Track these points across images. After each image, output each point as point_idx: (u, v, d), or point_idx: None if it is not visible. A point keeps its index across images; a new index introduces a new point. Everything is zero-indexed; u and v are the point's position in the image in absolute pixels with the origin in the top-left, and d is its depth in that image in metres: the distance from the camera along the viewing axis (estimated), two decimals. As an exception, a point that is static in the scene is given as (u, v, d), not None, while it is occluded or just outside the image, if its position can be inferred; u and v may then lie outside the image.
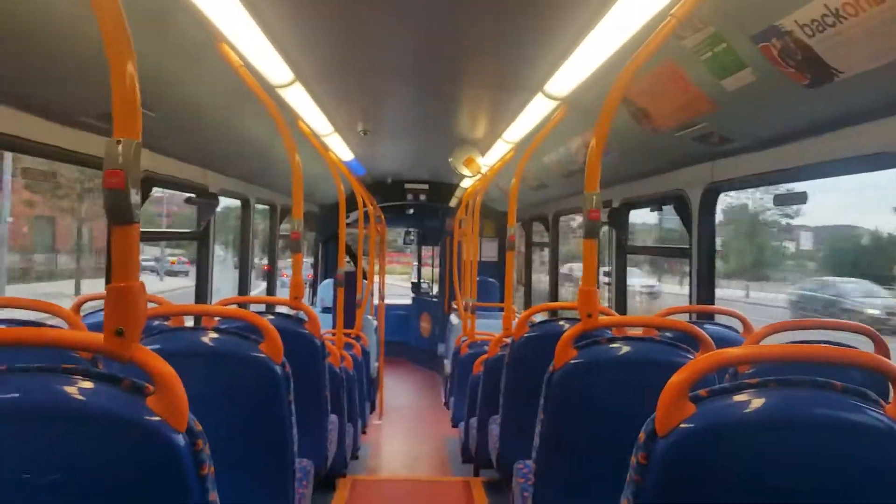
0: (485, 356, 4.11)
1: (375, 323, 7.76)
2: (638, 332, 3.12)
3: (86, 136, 3.05)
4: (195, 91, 3.14)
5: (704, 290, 3.75)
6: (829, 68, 1.98)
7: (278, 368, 2.21)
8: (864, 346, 2.50)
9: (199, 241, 4.66)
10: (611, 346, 2.27)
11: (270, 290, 6.48)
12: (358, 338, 5.81)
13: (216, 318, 3.02)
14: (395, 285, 13.74)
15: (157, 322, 2.96)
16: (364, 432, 5.93)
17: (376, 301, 8.25)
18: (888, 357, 2.24)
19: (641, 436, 1.41)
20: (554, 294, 7.00)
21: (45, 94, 2.61)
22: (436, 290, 10.87)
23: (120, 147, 1.29)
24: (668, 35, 2.08)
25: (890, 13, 1.64)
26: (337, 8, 2.56)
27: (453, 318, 8.11)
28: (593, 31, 2.50)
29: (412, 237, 11.84)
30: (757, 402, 1.35)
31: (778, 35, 1.97)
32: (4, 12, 1.88)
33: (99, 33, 1.28)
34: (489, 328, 6.25)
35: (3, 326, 2.20)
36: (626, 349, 2.27)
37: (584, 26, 2.49)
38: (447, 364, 7.23)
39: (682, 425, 1.34)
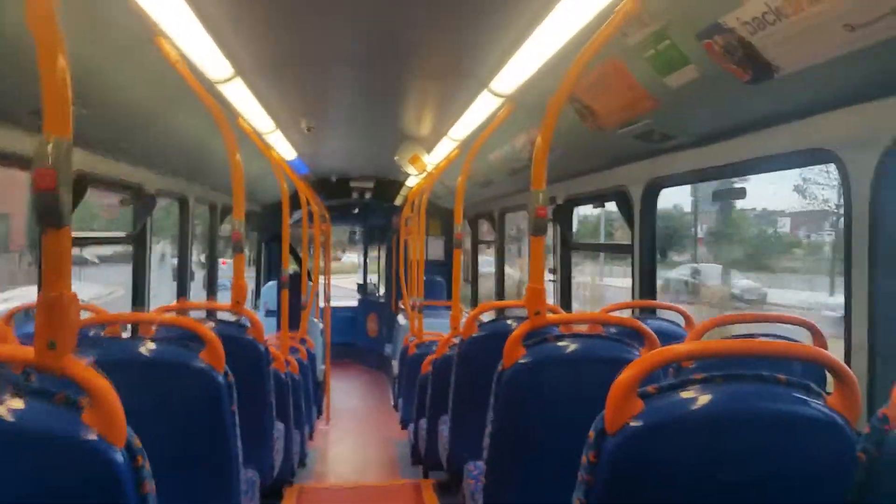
0: (433, 356, 4.09)
1: (321, 325, 7.65)
2: (584, 328, 3.15)
3: (14, 134, 2.88)
4: (131, 86, 3.00)
5: (646, 285, 3.82)
6: (770, 65, 2.02)
7: (220, 377, 2.14)
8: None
9: (136, 244, 4.48)
10: (559, 343, 2.28)
11: (210, 293, 6.30)
12: (303, 341, 5.70)
13: (153, 327, 2.90)
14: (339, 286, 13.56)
15: (92, 332, 2.83)
16: (311, 438, 5.83)
17: (322, 303, 8.14)
18: (826, 348, 2.32)
19: (591, 434, 1.40)
20: (500, 292, 7.03)
21: None
22: (382, 290, 10.80)
23: (50, 146, 1.21)
24: (613, 32, 2.09)
25: (828, 12, 1.68)
26: (279, 0, 2.49)
27: (400, 319, 8.07)
28: (539, 28, 2.50)
29: (358, 236, 11.74)
30: (704, 398, 1.36)
31: (721, 32, 2.01)
32: None
33: (22, 24, 1.20)
34: (437, 328, 6.24)
35: None
36: (573, 346, 2.27)
37: (530, 22, 2.49)
38: (395, 365, 7.19)
39: (631, 423, 1.34)
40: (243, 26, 2.77)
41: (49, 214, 1.23)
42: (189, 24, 2.51)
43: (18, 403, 1.24)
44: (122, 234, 4.64)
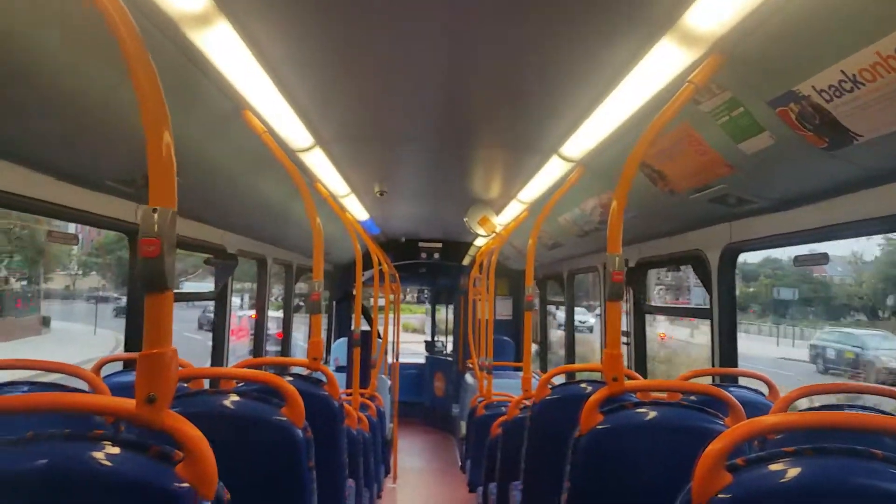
0: (503, 418, 4.04)
1: (389, 382, 7.69)
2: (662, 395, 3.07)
3: (109, 200, 3.11)
4: (219, 156, 3.20)
5: (727, 351, 3.70)
6: (848, 132, 1.99)
7: (300, 433, 2.18)
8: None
9: (217, 302, 4.67)
10: (637, 410, 2.23)
11: (285, 351, 6.45)
12: (373, 398, 5.75)
13: (234, 381, 2.99)
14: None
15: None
16: (379, 497, 5.80)
17: (390, 360, 8.19)
18: None
19: None
20: (570, 354, 6.92)
21: (74, 160, 2.67)
22: (450, 348, 10.79)
23: (156, 215, 1.31)
24: (686, 101, 2.11)
25: None
26: (356, 75, 2.64)
27: (468, 378, 8.02)
28: (610, 96, 2.54)
29: (426, 296, 11.84)
30: (794, 472, 1.32)
31: (796, 100, 2.00)
32: (38, 83, 1.95)
33: (128, 102, 1.32)
34: (505, 388, 6.17)
35: (26, 390, 2.20)
36: (653, 414, 2.22)
37: (601, 91, 2.54)
38: (463, 425, 7.12)
39: (719, 496, 1.31)
40: (323, 101, 2.93)
41: (153, 279, 1.32)
42: (274, 99, 2.68)
43: (115, 453, 1.30)
44: (204, 291, 4.85)
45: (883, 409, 2.41)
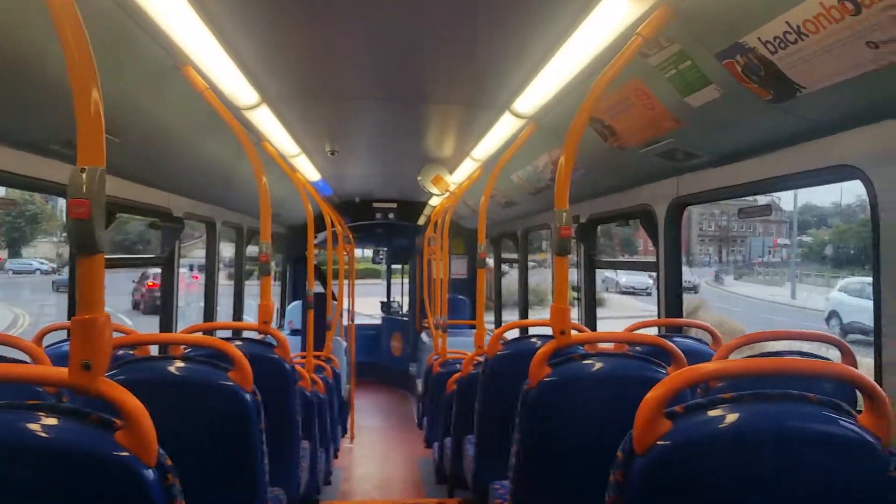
0: (458, 375, 4.09)
1: (345, 344, 7.69)
2: (609, 346, 3.14)
3: (53, 164, 2.98)
4: (159, 114, 3.08)
5: (672, 303, 3.79)
6: (792, 84, 2.02)
7: (248, 396, 2.17)
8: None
9: (164, 267, 4.56)
10: (584, 362, 2.28)
11: (237, 316, 6.37)
12: (328, 360, 5.74)
13: (182, 346, 2.95)
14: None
15: (121, 352, 2.88)
16: (336, 456, 5.84)
17: (346, 322, 8.19)
18: (855, 366, 2.29)
19: (619, 454, 1.41)
20: (524, 311, 7.02)
21: (9, 122, 2.54)
22: (406, 308, 10.83)
23: (84, 175, 1.26)
24: (634, 53, 2.10)
25: (850, 30, 1.68)
26: (302, 29, 2.55)
27: (424, 337, 8.08)
28: (560, 50, 2.52)
29: (381, 256, 11.81)
30: (732, 417, 1.36)
31: (742, 52, 2.01)
32: None
33: (60, 59, 1.25)
34: (461, 346, 6.24)
35: None
36: (599, 365, 2.28)
37: (551, 45, 2.51)
38: (419, 383, 7.20)
39: (659, 442, 1.34)
40: (268, 57, 2.83)
41: (83, 242, 1.28)
42: (216, 54, 2.58)
43: (53, 422, 1.28)
44: (150, 256, 4.73)
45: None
